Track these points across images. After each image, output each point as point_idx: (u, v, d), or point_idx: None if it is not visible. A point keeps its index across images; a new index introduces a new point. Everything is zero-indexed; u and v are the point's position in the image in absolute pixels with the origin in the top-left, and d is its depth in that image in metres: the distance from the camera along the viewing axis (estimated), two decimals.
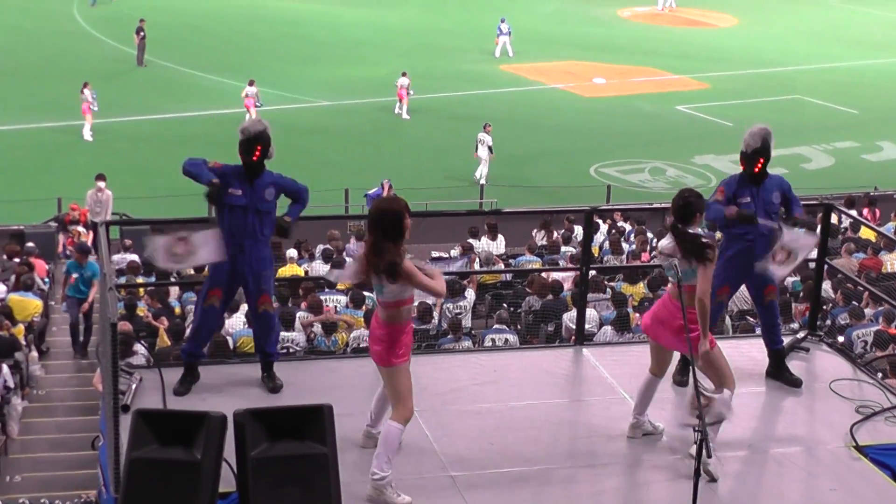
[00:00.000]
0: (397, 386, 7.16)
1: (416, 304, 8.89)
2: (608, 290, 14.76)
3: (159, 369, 8.61)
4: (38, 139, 28.42)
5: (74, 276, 16.07)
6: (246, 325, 12.61)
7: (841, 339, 12.49)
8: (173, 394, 8.32)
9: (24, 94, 31.84)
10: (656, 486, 7.54)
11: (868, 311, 13.69)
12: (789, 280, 15.29)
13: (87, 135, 28.09)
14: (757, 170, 8.81)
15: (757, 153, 8.77)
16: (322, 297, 14.09)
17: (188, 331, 10.04)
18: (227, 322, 12.69)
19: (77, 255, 16.44)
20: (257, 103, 29.81)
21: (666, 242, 7.71)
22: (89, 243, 17.17)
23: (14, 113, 29.88)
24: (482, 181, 26.81)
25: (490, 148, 26.89)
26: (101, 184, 20.87)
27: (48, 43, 37.82)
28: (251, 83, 29.99)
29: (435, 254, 16.91)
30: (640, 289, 14.89)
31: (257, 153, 8.21)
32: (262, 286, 8.38)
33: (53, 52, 36.42)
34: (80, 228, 19.28)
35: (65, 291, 16.28)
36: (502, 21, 39.87)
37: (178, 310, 14.89)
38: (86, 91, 27.89)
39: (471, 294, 14.71)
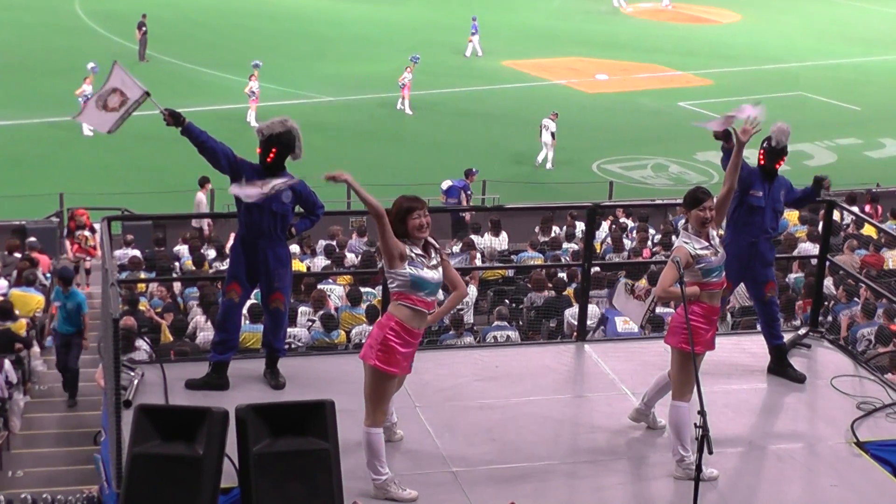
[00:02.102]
0: (365, 387, 7.09)
1: None
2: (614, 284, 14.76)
3: (161, 365, 8.64)
4: (39, 134, 28.38)
5: (57, 304, 14.57)
6: (247, 321, 12.63)
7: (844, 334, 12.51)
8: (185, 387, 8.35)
9: (26, 89, 31.78)
10: (658, 482, 7.54)
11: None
12: (791, 276, 15.29)
13: (87, 130, 28.02)
14: (778, 167, 8.95)
15: (783, 151, 8.93)
16: (323, 288, 14.19)
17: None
18: None
19: (60, 283, 14.70)
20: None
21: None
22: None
23: (15, 108, 29.84)
24: (548, 165, 27.97)
25: (553, 134, 27.84)
26: (210, 185, 20.62)
27: (49, 38, 37.78)
28: (252, 77, 29.95)
29: None
30: (643, 284, 14.85)
31: (272, 155, 8.19)
32: (274, 284, 8.40)
33: (55, 48, 36.39)
34: (87, 233, 18.90)
35: (50, 326, 15.09)
36: (473, 20, 39.57)
37: (180, 306, 14.91)
38: (84, 86, 27.76)
39: (472, 290, 14.71)
